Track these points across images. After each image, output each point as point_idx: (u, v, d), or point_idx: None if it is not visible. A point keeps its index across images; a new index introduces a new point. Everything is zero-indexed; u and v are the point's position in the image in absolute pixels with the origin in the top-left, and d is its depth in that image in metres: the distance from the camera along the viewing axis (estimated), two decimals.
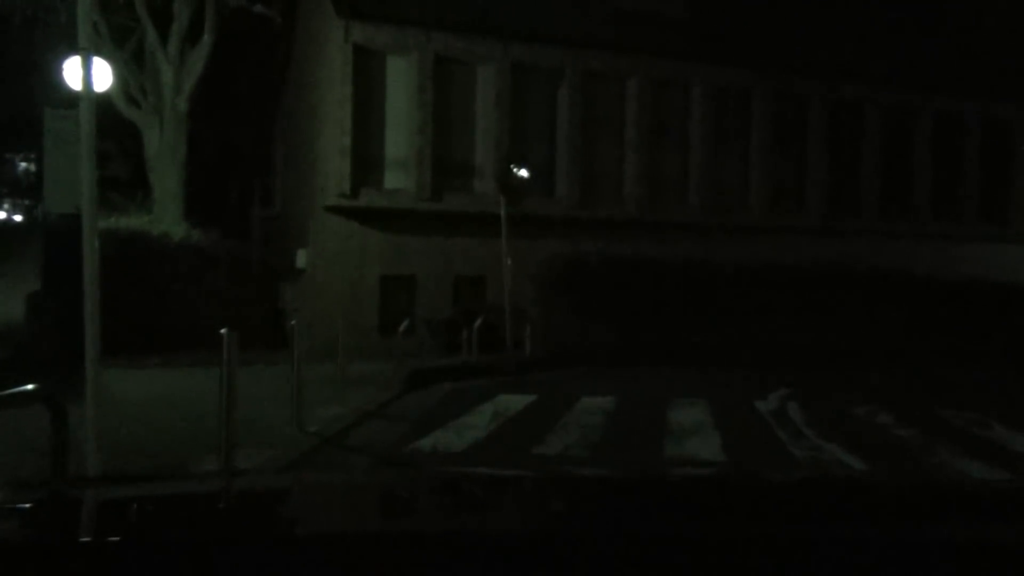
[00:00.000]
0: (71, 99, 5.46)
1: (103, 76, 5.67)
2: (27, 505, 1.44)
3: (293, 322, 8.50)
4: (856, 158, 22.13)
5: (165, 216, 16.18)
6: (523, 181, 15.20)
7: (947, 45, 21.83)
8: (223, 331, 5.51)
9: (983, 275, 19.22)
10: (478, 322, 14.40)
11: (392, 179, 18.19)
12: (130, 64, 16.95)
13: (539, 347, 15.26)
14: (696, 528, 1.29)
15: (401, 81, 18.05)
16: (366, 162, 17.74)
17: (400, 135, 18.11)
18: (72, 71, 5.46)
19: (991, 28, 22.35)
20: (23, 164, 37.58)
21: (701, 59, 20.02)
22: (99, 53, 5.82)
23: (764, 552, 1.11)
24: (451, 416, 8.91)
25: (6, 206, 43.38)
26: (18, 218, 41.88)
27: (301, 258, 18.30)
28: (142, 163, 17.69)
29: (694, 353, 15.07)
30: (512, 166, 15.12)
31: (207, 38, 16.80)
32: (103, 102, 10.57)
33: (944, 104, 22.69)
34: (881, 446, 7.67)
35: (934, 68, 21.80)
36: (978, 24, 22.32)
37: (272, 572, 1.06)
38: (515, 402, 10.01)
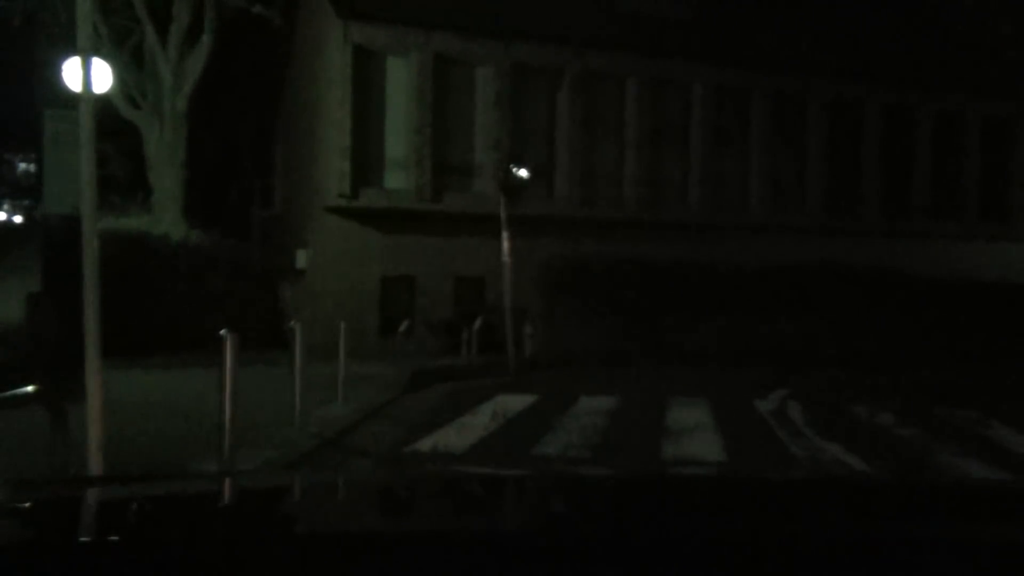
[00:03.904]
0: (71, 100, 5.46)
1: (103, 77, 5.67)
2: (27, 505, 1.44)
3: (293, 323, 8.50)
4: (856, 158, 22.13)
5: (165, 216, 16.18)
6: (523, 181, 15.20)
7: (947, 45, 21.83)
8: (223, 332, 5.51)
9: (983, 275, 19.22)
10: (478, 322, 14.39)
11: (392, 179, 18.19)
12: (130, 65, 16.96)
13: (539, 347, 15.26)
14: (696, 528, 1.29)
15: (401, 81, 18.06)
16: (366, 162, 17.74)
17: (400, 135, 18.11)
18: (72, 72, 5.46)
19: (991, 28, 22.35)
20: (23, 165, 37.60)
21: (701, 59, 20.03)
22: (99, 54, 5.82)
23: (764, 552, 1.11)
24: (451, 416, 8.92)
25: (6, 207, 43.38)
26: (18, 218, 41.88)
27: (301, 258, 18.31)
28: (142, 164, 17.69)
29: (694, 353, 15.07)
30: (512, 166, 15.11)
31: (206, 39, 16.80)
32: (103, 103, 10.57)
33: (944, 104, 22.69)
34: (881, 446, 7.67)
35: (934, 68, 21.80)
36: (978, 24, 22.31)
37: (272, 572, 1.06)
38: (515, 402, 10.01)
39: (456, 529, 1.31)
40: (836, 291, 17.64)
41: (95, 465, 4.84)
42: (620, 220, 19.31)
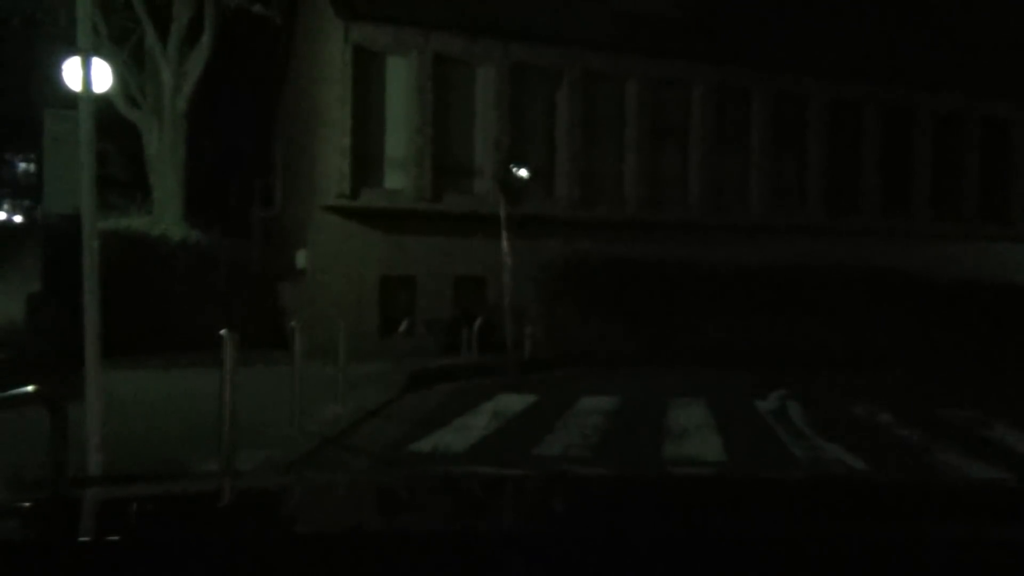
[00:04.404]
0: (71, 100, 5.46)
1: (103, 77, 5.67)
2: (27, 505, 1.44)
3: (293, 322, 8.50)
4: (856, 157, 22.13)
5: (165, 216, 16.19)
6: (523, 181, 15.19)
7: (947, 45, 21.83)
8: (223, 331, 5.51)
9: (983, 275, 19.21)
10: (478, 322, 14.40)
11: (392, 179, 18.19)
12: (130, 65, 16.96)
13: (539, 347, 15.26)
14: (696, 528, 1.29)
15: (401, 81, 18.05)
16: (366, 162, 17.74)
17: (400, 135, 18.11)
18: (72, 72, 5.46)
19: (991, 27, 22.34)
20: (23, 164, 37.59)
21: (701, 59, 20.02)
22: (99, 54, 5.82)
23: (764, 552, 1.11)
24: (451, 416, 8.92)
25: (6, 206, 43.34)
26: (18, 218, 41.84)
27: (301, 258, 18.31)
28: (142, 163, 17.70)
29: (694, 353, 15.07)
30: (512, 166, 15.11)
31: (206, 39, 16.81)
32: (103, 103, 10.57)
33: (944, 104, 22.69)
34: (881, 446, 7.67)
35: (934, 68, 21.79)
36: (978, 23, 22.31)
37: (272, 572, 1.06)
38: (515, 402, 10.02)
39: (456, 529, 1.31)
40: (836, 291, 17.63)
41: (95, 465, 4.84)
42: (620, 220, 19.30)
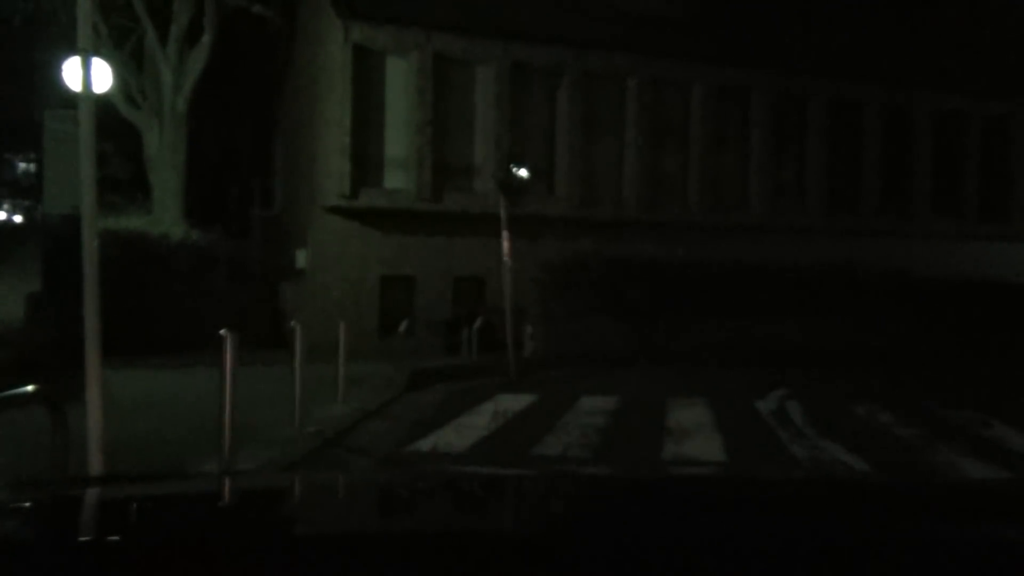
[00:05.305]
0: (71, 100, 5.45)
1: (103, 77, 5.66)
2: (27, 505, 1.44)
3: (293, 322, 8.50)
4: (856, 157, 22.13)
5: (165, 216, 16.20)
6: (523, 181, 15.18)
7: (947, 45, 21.83)
8: (223, 331, 5.51)
9: (983, 275, 19.22)
10: (478, 322, 14.39)
11: (392, 179, 18.19)
12: (129, 65, 16.98)
13: (539, 347, 15.26)
14: (696, 528, 1.29)
15: (401, 81, 18.06)
16: (366, 162, 17.75)
17: (400, 135, 18.12)
18: (72, 72, 5.46)
19: (990, 27, 22.35)
20: (23, 164, 37.58)
21: (701, 59, 20.03)
22: (99, 54, 5.82)
23: (764, 552, 1.11)
24: (451, 416, 8.92)
25: (6, 206, 43.31)
26: (18, 218, 41.83)
27: (301, 258, 18.31)
28: (142, 163, 17.72)
29: (694, 353, 15.07)
30: (512, 166, 15.10)
31: (206, 39, 16.82)
32: (103, 103, 10.57)
33: (944, 103, 22.69)
34: (881, 446, 7.67)
35: (934, 68, 21.79)
36: (977, 23, 22.32)
37: (272, 572, 1.06)
38: (515, 402, 10.02)
39: (456, 529, 1.31)
40: (836, 291, 17.64)
41: (95, 465, 4.84)
42: (620, 220, 19.31)
